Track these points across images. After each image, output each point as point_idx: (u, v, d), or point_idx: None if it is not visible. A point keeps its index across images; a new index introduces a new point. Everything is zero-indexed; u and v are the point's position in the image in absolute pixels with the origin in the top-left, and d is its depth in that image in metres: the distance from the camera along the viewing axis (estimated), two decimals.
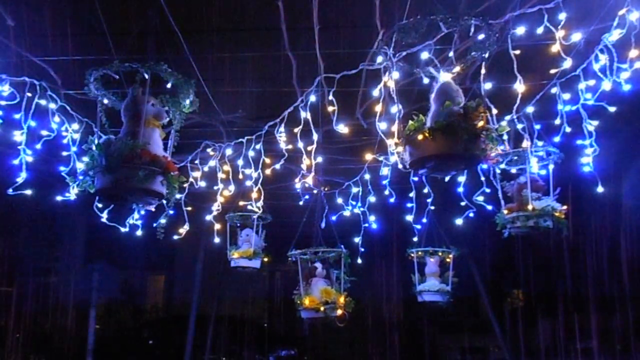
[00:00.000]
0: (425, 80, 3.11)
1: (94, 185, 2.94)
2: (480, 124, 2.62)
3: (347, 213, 5.84)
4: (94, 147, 2.95)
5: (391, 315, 10.03)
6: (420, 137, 2.67)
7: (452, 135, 2.60)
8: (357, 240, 5.93)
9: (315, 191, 5.57)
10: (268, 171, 4.99)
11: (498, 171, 4.19)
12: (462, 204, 4.73)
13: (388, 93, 3.29)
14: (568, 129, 4.05)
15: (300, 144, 4.44)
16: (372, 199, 5.70)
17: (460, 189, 4.63)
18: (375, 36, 3.68)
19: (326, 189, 5.83)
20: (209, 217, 5.54)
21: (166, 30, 3.49)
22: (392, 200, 5.35)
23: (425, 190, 5.36)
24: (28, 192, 4.21)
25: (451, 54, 3.18)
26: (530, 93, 3.97)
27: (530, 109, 4.11)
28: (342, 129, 4.41)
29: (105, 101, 3.31)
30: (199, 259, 8.13)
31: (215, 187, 5.16)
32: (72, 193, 3.75)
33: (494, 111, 3.23)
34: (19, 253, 8.80)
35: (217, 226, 5.75)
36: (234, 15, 4.08)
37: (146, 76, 3.10)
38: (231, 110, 5.20)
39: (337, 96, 4.08)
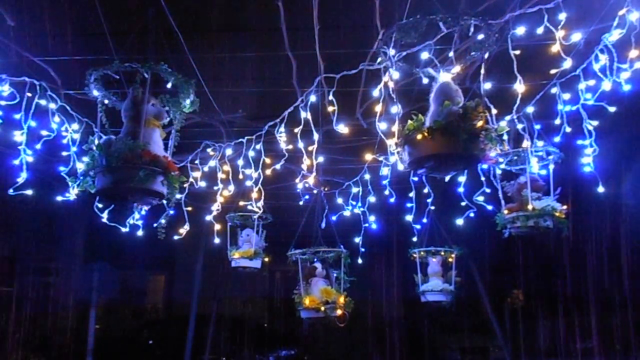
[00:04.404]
0: (425, 80, 3.11)
1: (94, 186, 2.94)
2: (480, 124, 2.62)
3: (347, 213, 5.85)
4: (94, 147, 2.95)
5: (391, 315, 10.02)
6: (419, 136, 2.66)
7: (451, 135, 2.60)
8: (357, 240, 5.94)
9: (315, 191, 5.57)
10: (268, 171, 4.99)
11: (498, 171, 4.19)
12: (463, 204, 4.74)
13: (388, 93, 3.29)
14: (568, 129, 4.05)
15: (301, 144, 4.44)
16: (372, 199, 5.70)
17: (461, 189, 4.63)
18: (375, 36, 3.68)
19: (326, 189, 5.83)
20: (209, 217, 5.55)
21: (166, 30, 3.49)
22: (392, 200, 5.35)
23: (425, 190, 5.37)
24: (28, 192, 4.21)
25: (451, 54, 3.19)
26: (530, 93, 3.97)
27: (530, 109, 4.10)
28: (342, 129, 4.41)
29: (106, 101, 3.32)
30: (199, 259, 8.13)
31: (215, 187, 5.16)
32: (72, 193, 3.75)
33: (494, 111, 3.23)
34: (19, 253, 8.78)
35: (217, 226, 5.76)
36: (234, 15, 4.08)
37: (146, 76, 3.10)
38: (231, 110, 5.20)
39: (337, 96, 4.08)
